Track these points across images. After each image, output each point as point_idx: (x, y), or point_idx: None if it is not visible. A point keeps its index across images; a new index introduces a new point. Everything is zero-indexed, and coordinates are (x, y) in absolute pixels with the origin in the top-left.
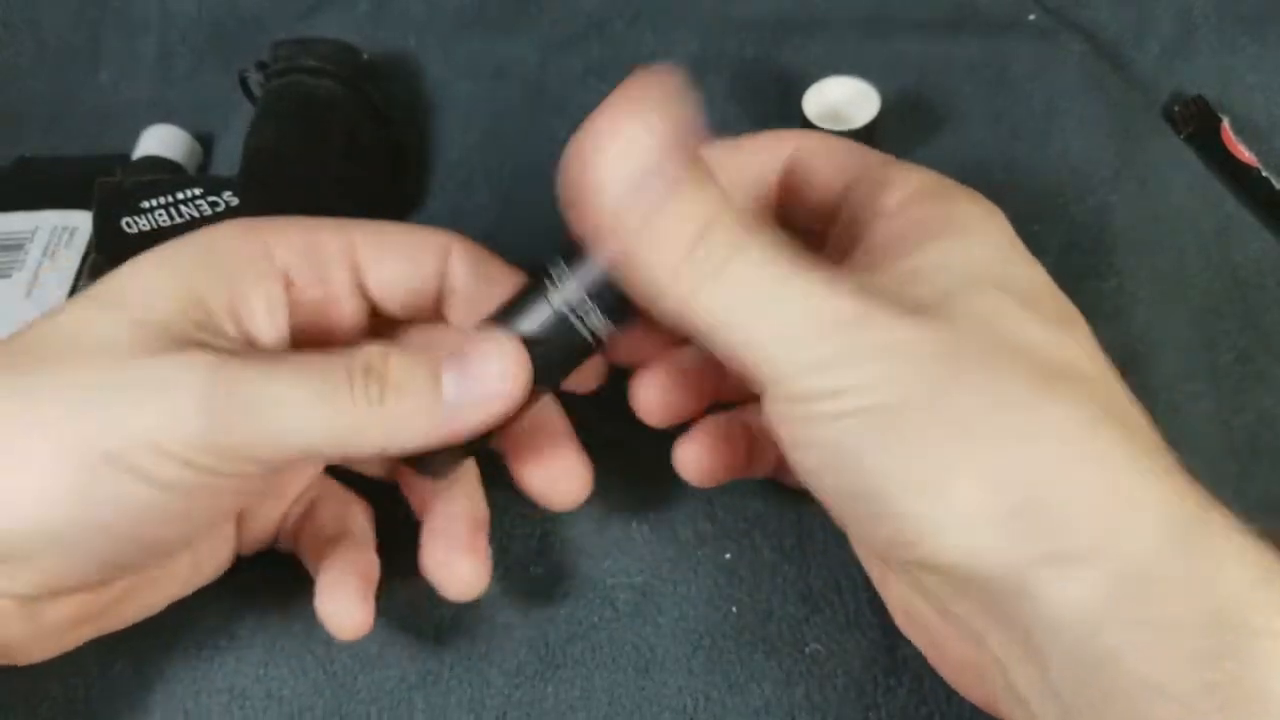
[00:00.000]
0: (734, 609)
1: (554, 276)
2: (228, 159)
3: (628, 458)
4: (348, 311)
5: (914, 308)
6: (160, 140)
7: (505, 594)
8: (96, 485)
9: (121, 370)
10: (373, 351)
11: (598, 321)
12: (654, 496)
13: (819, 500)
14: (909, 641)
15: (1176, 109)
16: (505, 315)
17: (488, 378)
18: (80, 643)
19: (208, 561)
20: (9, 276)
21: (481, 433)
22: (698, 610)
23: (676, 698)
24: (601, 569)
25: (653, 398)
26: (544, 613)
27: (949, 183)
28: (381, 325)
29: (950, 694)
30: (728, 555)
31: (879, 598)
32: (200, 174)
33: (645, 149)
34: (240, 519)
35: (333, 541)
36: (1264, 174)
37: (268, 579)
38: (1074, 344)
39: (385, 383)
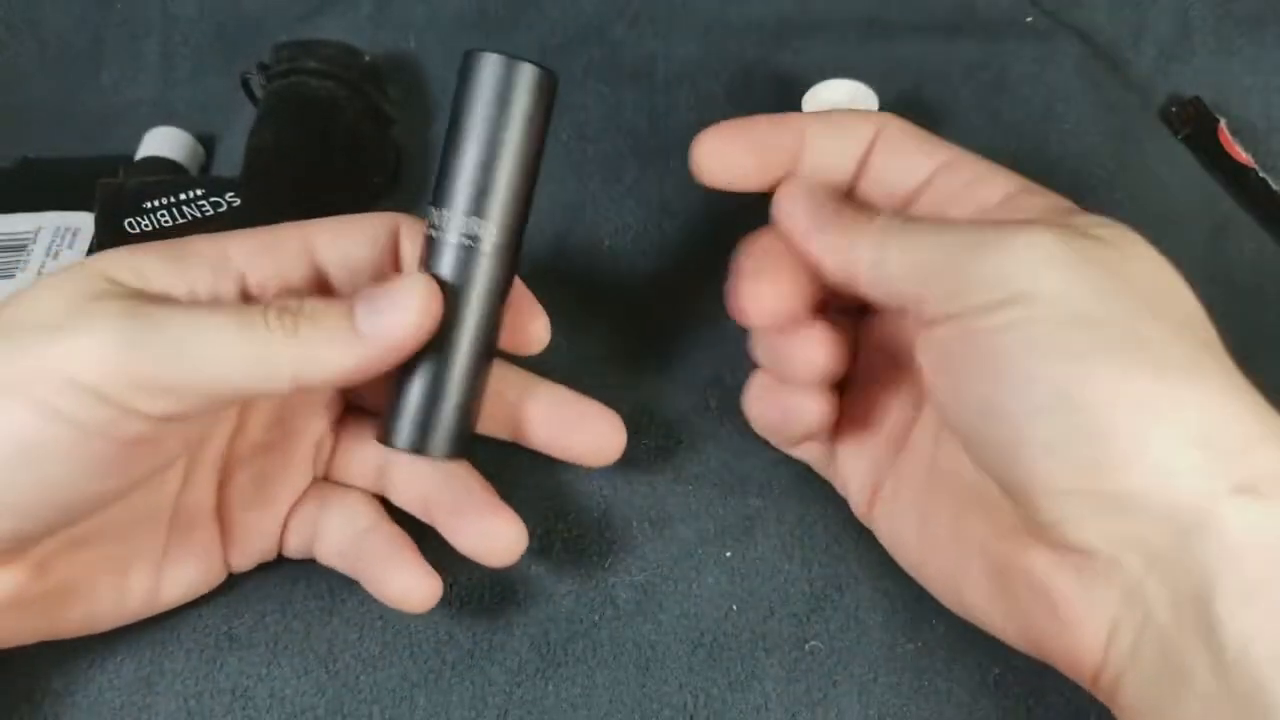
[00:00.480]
0: (734, 607)
1: (436, 218)
2: (230, 160)
3: (628, 456)
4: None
5: (1085, 237)
6: (163, 141)
7: (506, 592)
8: (25, 431)
9: (46, 318)
10: (288, 295)
11: (489, 235)
12: (655, 495)
13: (978, 434)
14: (909, 638)
15: (1174, 110)
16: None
17: (397, 303)
18: (20, 641)
19: (172, 577)
20: (12, 277)
21: (394, 362)
22: (698, 608)
23: (677, 695)
24: (602, 567)
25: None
26: (545, 611)
27: (1036, 185)
28: None
29: (950, 690)
30: (728, 553)
31: (879, 596)
32: (202, 175)
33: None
34: (226, 533)
35: (356, 538)
36: (1261, 174)
37: (269, 578)
38: (1204, 314)
39: (299, 315)
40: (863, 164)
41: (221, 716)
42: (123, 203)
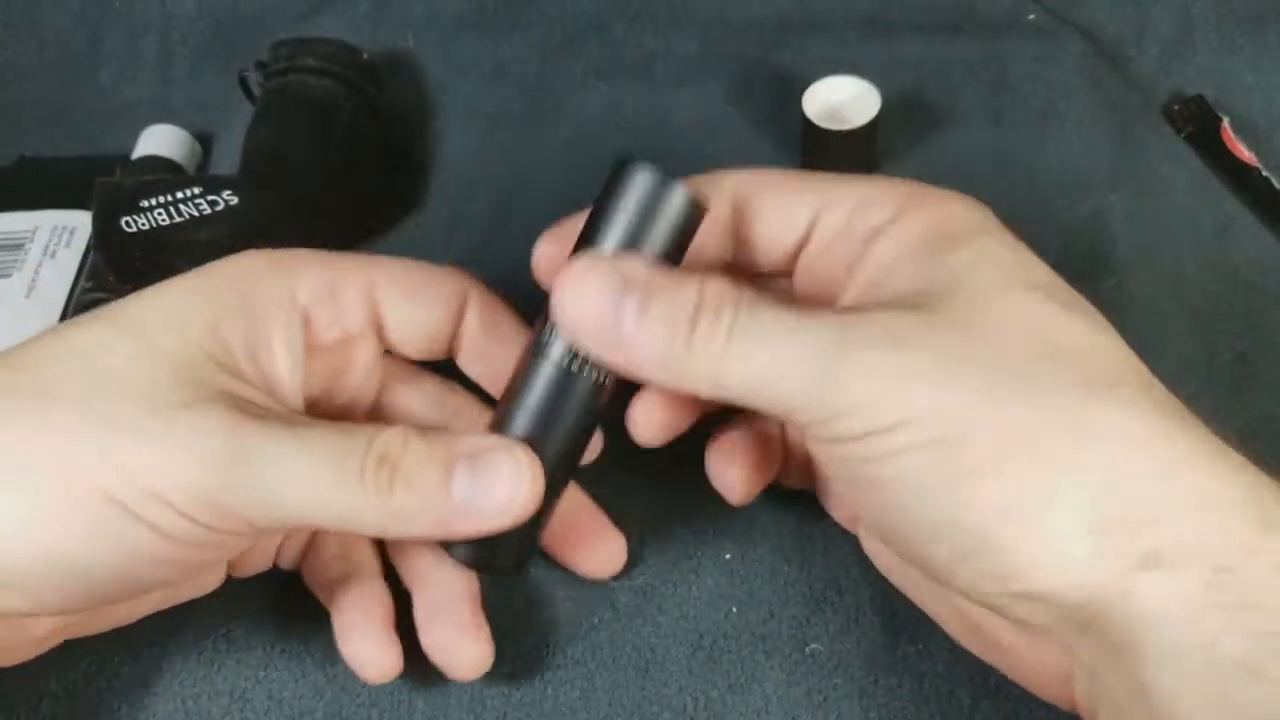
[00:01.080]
0: (734, 609)
1: (543, 339)
2: (227, 159)
3: (627, 459)
4: (364, 351)
5: (947, 324)
6: (160, 140)
7: (506, 596)
8: (93, 523)
9: (139, 414)
10: (392, 438)
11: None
12: (654, 497)
13: (886, 542)
14: (910, 640)
15: (1176, 108)
16: (512, 398)
17: (498, 486)
18: (54, 645)
19: (189, 583)
20: (9, 276)
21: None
22: (698, 610)
23: (677, 698)
24: None
25: (650, 418)
26: (544, 614)
27: (926, 188)
28: (394, 366)
29: (950, 693)
30: (728, 555)
31: (879, 597)
32: (200, 173)
33: (606, 275)
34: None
35: (342, 580)
36: (1264, 173)
37: (268, 581)
38: (1107, 338)
39: (396, 472)
40: (736, 234)
41: (219, 718)
42: (120, 201)
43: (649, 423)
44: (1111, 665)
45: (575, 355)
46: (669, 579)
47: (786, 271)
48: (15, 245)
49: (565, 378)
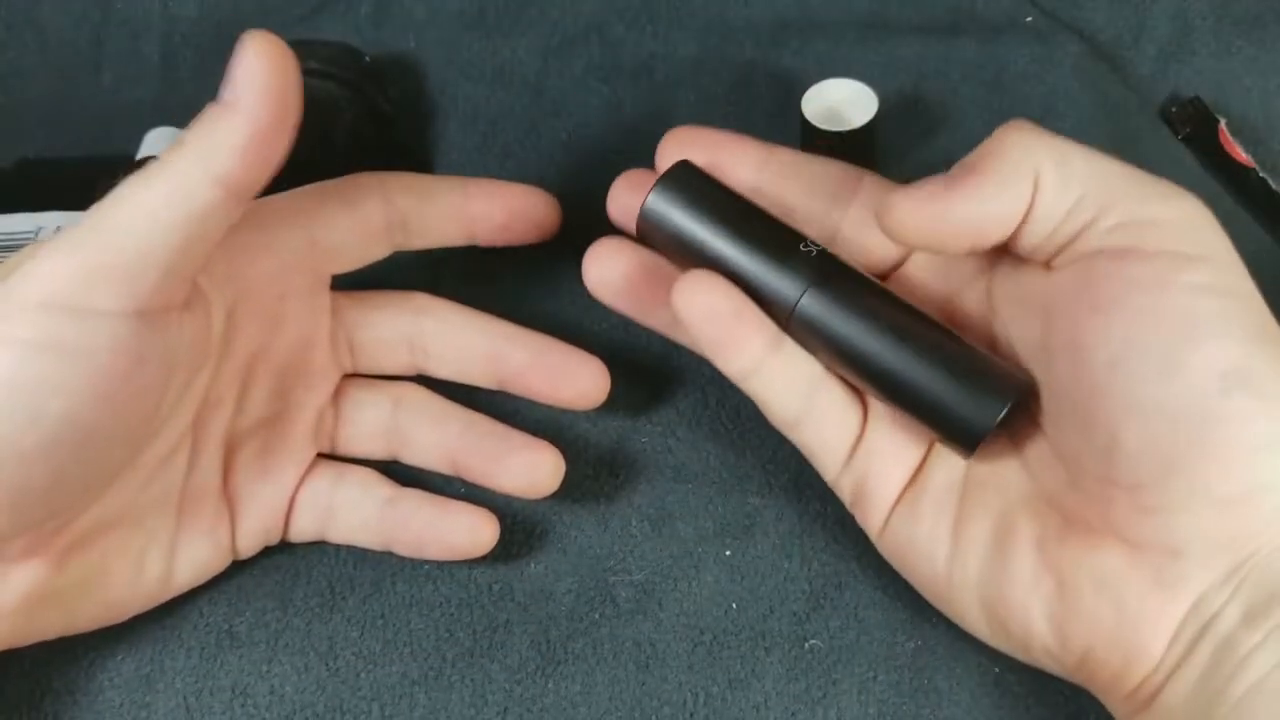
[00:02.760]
0: (734, 605)
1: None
2: None
3: (628, 456)
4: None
5: None
6: (163, 142)
7: (506, 591)
8: (24, 362)
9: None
10: None
11: None
12: (654, 493)
13: (1097, 395)
14: (909, 637)
15: (1174, 110)
16: None
17: (245, 64)
18: (46, 636)
19: (183, 558)
20: None
21: None
22: (698, 606)
23: (677, 693)
24: (603, 566)
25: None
26: (545, 609)
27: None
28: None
29: (951, 689)
30: (728, 552)
31: (879, 594)
32: None
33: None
34: (233, 511)
35: (381, 508)
36: (1261, 175)
37: (270, 574)
38: None
39: (185, 135)
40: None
41: (221, 714)
42: None
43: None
44: (1247, 605)
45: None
46: (669, 575)
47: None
48: (17, 246)
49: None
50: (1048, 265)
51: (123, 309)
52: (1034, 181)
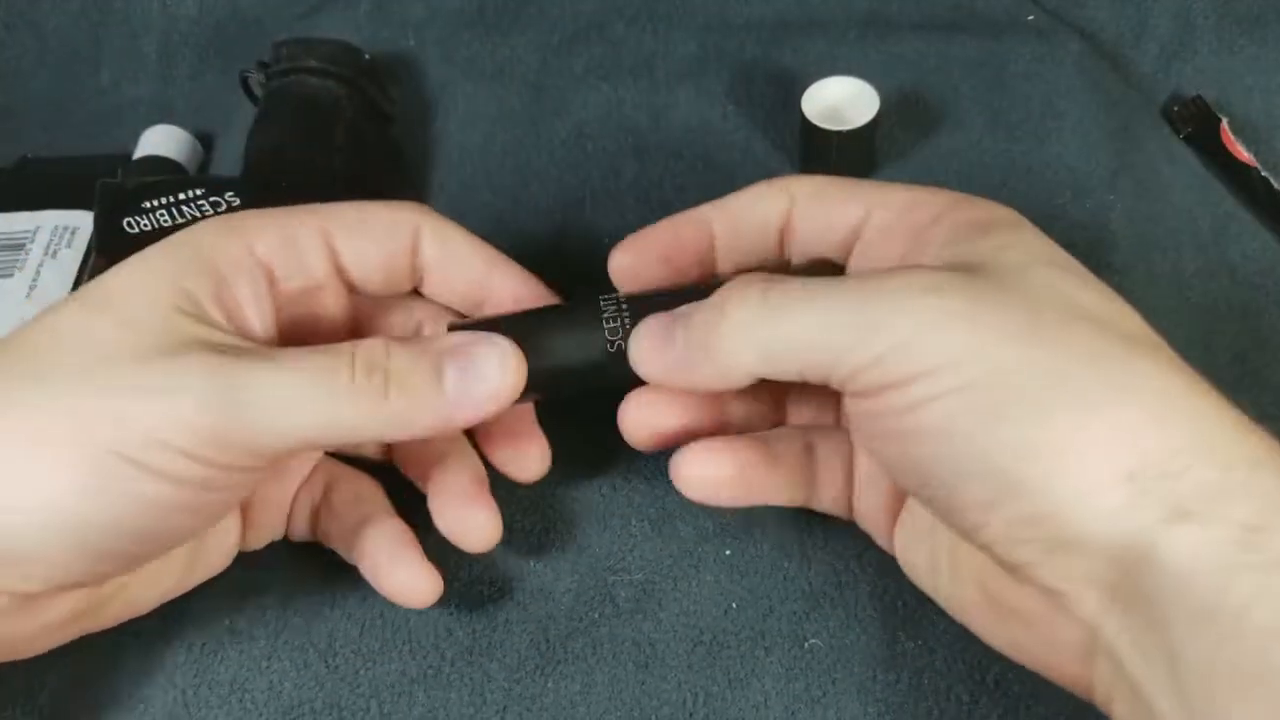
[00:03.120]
0: (734, 605)
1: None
2: (229, 159)
3: (628, 455)
4: (330, 296)
5: (982, 280)
6: (161, 140)
7: (506, 589)
8: (107, 482)
9: (128, 372)
10: (374, 346)
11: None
12: (654, 493)
13: (920, 496)
14: (909, 637)
15: (1175, 109)
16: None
17: (488, 373)
18: (70, 639)
19: (202, 559)
20: (11, 276)
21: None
22: (698, 606)
23: (676, 693)
24: (602, 565)
25: (640, 417)
26: (544, 608)
27: (969, 196)
28: (363, 306)
29: (949, 689)
30: (728, 552)
31: (879, 593)
32: (202, 174)
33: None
34: (245, 511)
35: (360, 526)
36: (1263, 174)
37: (269, 572)
38: (1132, 312)
39: (389, 377)
40: (785, 231)
41: (219, 709)
42: (122, 202)
43: (639, 424)
44: (1137, 633)
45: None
46: (669, 575)
47: (837, 263)
48: (16, 245)
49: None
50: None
51: (237, 466)
52: (747, 372)
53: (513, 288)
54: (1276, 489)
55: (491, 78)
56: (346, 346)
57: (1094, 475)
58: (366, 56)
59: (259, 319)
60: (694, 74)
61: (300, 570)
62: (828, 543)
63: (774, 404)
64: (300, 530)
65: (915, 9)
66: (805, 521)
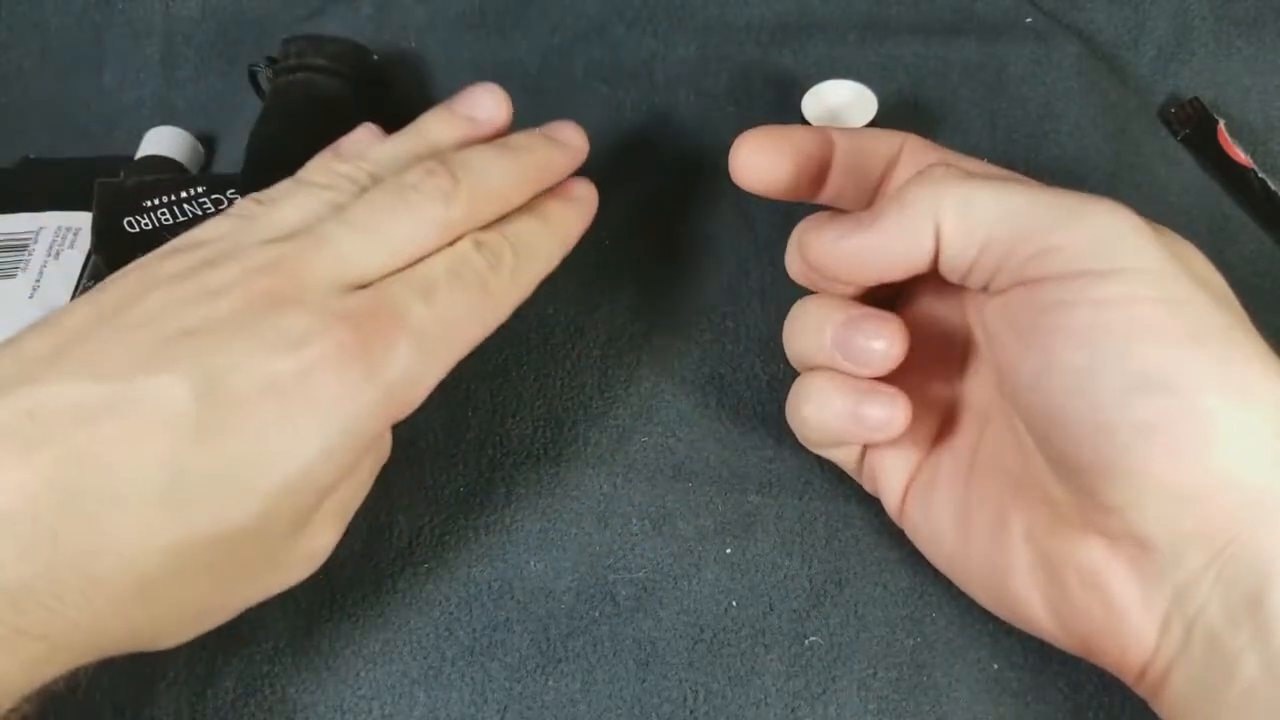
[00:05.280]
0: (734, 603)
1: None
2: (230, 160)
3: (629, 454)
4: None
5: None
6: (163, 141)
7: (506, 589)
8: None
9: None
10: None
11: None
12: (655, 492)
13: (1047, 412)
14: (909, 634)
15: (1173, 111)
16: None
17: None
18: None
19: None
20: (13, 277)
21: None
22: (698, 604)
23: (677, 691)
24: (603, 564)
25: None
26: (545, 607)
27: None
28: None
29: (950, 686)
30: (728, 550)
31: (879, 591)
32: (203, 172)
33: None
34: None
35: None
36: (1260, 175)
37: None
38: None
39: (503, 255)
40: (885, 180)
41: (221, 713)
42: (122, 201)
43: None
44: (1228, 599)
45: None
46: (669, 573)
47: None
48: (19, 246)
49: None
50: (987, 290)
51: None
52: (934, 229)
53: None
54: None
55: (492, 79)
56: None
57: (1260, 423)
58: (374, 57)
59: None
60: (694, 76)
61: None
62: (828, 541)
63: None
64: None
65: (914, 12)
66: (806, 519)
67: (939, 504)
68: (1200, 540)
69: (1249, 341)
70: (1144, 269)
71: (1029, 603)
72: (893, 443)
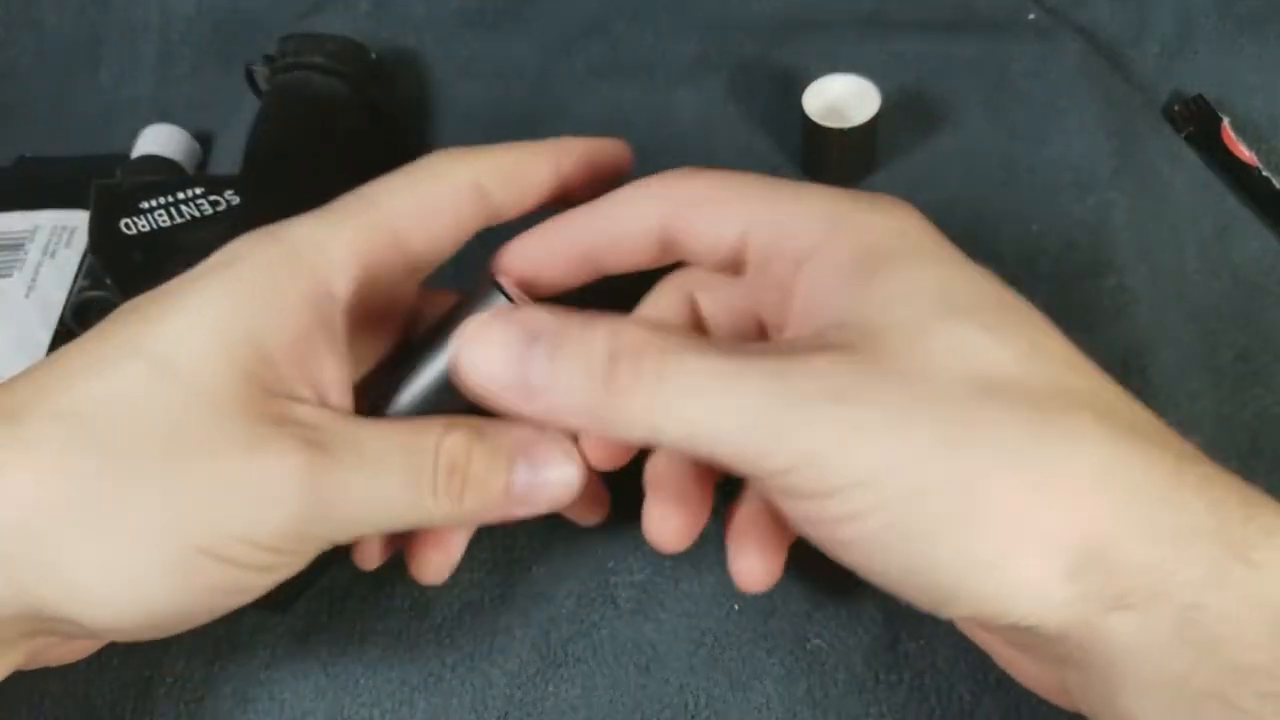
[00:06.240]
0: (736, 606)
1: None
2: (227, 158)
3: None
4: (401, 291)
5: (886, 372)
6: (159, 140)
7: (507, 593)
8: (190, 576)
9: (214, 468)
10: (458, 445)
11: None
12: None
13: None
14: (911, 637)
15: (1176, 108)
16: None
17: (551, 478)
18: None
19: None
20: (9, 276)
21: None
22: (700, 608)
23: (678, 695)
24: (604, 567)
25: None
26: (545, 612)
27: (855, 200)
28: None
29: (951, 688)
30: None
31: (880, 594)
32: (201, 173)
33: (505, 329)
34: None
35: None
36: (1264, 173)
37: None
38: (1041, 360)
39: (467, 481)
40: (667, 237)
41: (222, 718)
42: (119, 203)
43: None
44: (1093, 690)
45: None
46: (670, 576)
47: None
48: (15, 245)
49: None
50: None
51: (320, 549)
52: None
53: (559, 164)
54: (1212, 559)
55: (491, 77)
56: (432, 438)
57: (1030, 578)
58: (373, 55)
59: (336, 372)
60: (694, 73)
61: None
62: None
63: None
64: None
65: (916, 8)
66: None
67: None
68: (1050, 651)
69: (1016, 468)
70: (856, 482)
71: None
72: None
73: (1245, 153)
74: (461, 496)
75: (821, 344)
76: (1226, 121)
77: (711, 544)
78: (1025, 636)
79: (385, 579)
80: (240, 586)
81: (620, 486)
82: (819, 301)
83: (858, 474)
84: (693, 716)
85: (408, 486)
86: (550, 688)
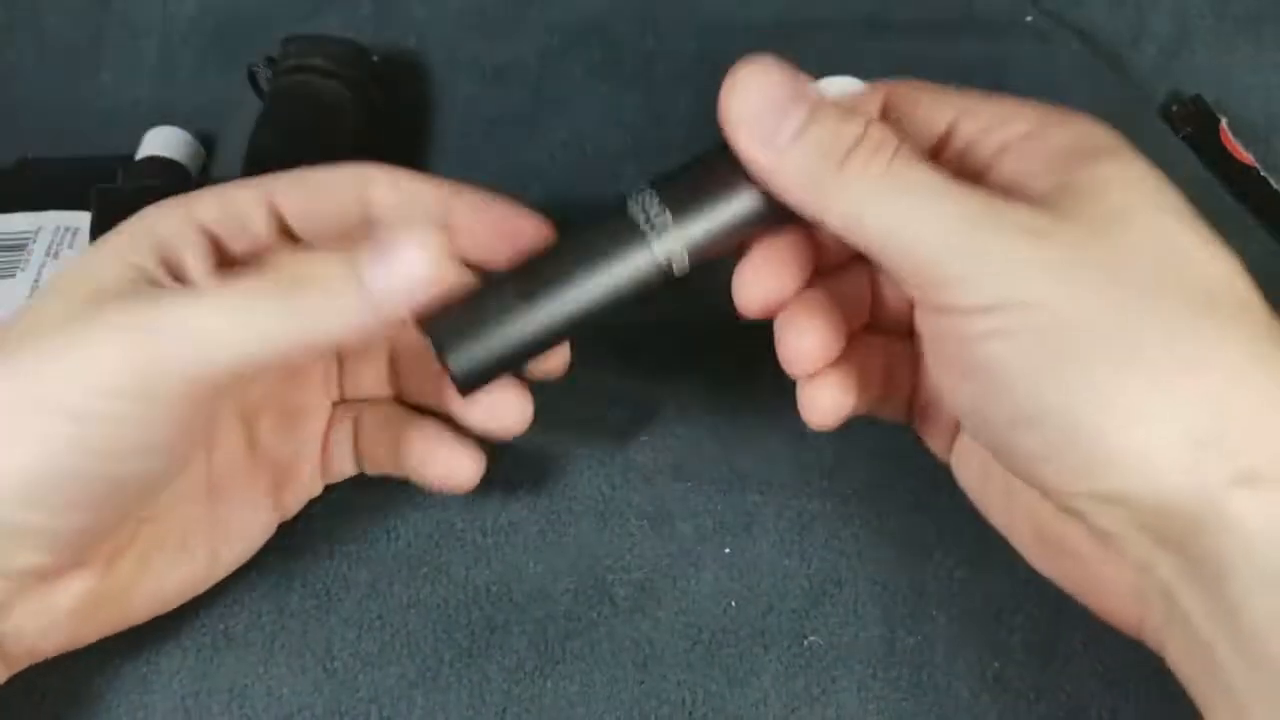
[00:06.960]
0: (733, 603)
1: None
2: (230, 159)
3: (628, 453)
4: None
5: (1084, 229)
6: (163, 142)
7: (504, 591)
8: (60, 439)
9: (61, 338)
10: (289, 256)
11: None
12: (654, 492)
13: (978, 439)
14: (909, 633)
15: (1174, 109)
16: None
17: (407, 257)
18: (97, 637)
19: (227, 541)
20: (13, 276)
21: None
22: (697, 605)
23: (676, 692)
24: (601, 565)
25: (752, 282)
26: (543, 609)
27: (1064, 110)
28: None
29: (949, 685)
30: (727, 550)
31: (878, 590)
32: (201, 176)
33: (780, 79)
34: (275, 476)
35: (397, 436)
36: (1262, 174)
37: (266, 576)
38: (1231, 268)
39: (301, 280)
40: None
41: (218, 715)
42: (120, 208)
43: (752, 287)
44: (1193, 585)
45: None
46: (668, 573)
47: None
48: (18, 246)
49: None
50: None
51: (188, 394)
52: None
53: (480, 214)
54: None
55: (492, 78)
56: (269, 262)
57: (1160, 434)
58: (374, 57)
59: (205, 282)
60: (694, 75)
61: (295, 574)
62: (827, 540)
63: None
64: (344, 467)
65: (916, 9)
66: (804, 519)
67: (970, 466)
68: (1146, 531)
69: (1171, 342)
70: (1031, 300)
71: (1039, 566)
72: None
73: (1243, 153)
74: (301, 293)
75: (1028, 200)
76: (1224, 122)
77: (709, 542)
78: (1125, 518)
79: (383, 574)
80: (126, 443)
81: (618, 486)
82: (1027, 178)
83: (1032, 296)
84: (690, 713)
85: (237, 298)
86: (548, 684)
